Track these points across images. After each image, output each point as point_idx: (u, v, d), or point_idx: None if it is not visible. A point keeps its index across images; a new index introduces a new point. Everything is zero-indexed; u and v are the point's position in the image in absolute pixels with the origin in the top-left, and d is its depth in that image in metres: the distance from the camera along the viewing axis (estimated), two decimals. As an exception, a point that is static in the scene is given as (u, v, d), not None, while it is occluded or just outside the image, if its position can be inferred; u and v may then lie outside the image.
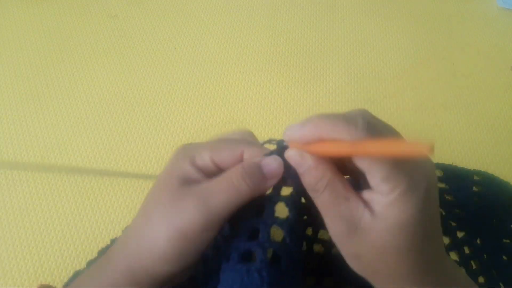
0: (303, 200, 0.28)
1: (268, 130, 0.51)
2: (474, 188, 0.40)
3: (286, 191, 0.27)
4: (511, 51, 0.61)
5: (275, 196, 0.26)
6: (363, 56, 0.60)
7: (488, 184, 0.40)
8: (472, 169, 0.42)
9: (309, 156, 0.24)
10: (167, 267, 0.25)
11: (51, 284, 0.39)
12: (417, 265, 0.24)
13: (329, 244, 0.33)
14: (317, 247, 0.34)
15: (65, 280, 0.40)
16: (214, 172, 0.27)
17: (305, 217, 0.31)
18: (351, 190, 0.24)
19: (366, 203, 0.23)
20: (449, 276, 0.25)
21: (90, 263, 0.35)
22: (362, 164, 0.23)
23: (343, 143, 0.22)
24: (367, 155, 0.22)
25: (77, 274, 0.36)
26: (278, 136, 0.52)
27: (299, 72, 0.57)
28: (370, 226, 0.23)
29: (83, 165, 0.47)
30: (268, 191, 0.27)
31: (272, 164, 0.26)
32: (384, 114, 0.54)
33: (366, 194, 0.24)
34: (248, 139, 0.29)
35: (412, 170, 0.23)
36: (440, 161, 0.49)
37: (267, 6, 0.65)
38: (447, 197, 0.39)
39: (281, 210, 0.27)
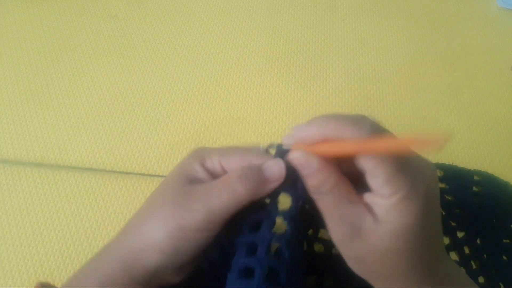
0: (305, 206, 0.28)
1: (268, 130, 0.51)
2: (474, 188, 0.40)
3: (284, 203, 0.27)
4: (511, 51, 0.61)
5: (273, 211, 0.26)
6: (363, 56, 0.60)
7: (488, 184, 0.40)
8: (472, 169, 0.42)
9: (315, 158, 0.24)
10: (161, 259, 0.25)
11: (51, 283, 0.39)
12: (418, 267, 0.24)
13: (329, 244, 0.33)
14: (317, 247, 0.34)
15: (65, 280, 0.40)
16: (221, 175, 0.27)
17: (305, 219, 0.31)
18: (354, 193, 0.24)
19: (368, 207, 0.23)
20: (449, 277, 0.26)
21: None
22: (365, 166, 0.23)
23: (348, 142, 0.22)
24: (374, 152, 0.22)
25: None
26: (278, 136, 0.52)
27: (299, 72, 0.57)
28: (372, 230, 0.23)
29: (83, 164, 0.47)
30: (267, 200, 0.27)
31: (274, 167, 0.26)
32: (384, 114, 0.54)
33: (367, 197, 0.24)
34: (260, 152, 0.29)
35: (414, 174, 0.23)
36: (440, 161, 0.49)
37: (267, 6, 0.66)
38: (447, 197, 0.39)
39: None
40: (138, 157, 0.48)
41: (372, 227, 0.23)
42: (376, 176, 0.23)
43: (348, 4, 0.66)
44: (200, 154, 0.28)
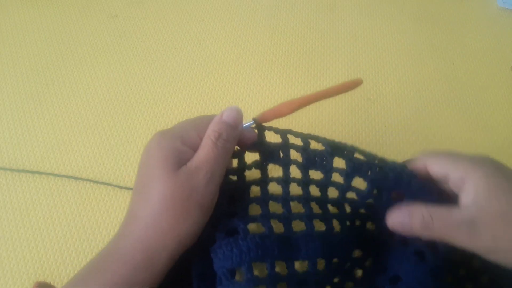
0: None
1: (268, 130, 0.51)
2: None
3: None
4: (511, 51, 0.61)
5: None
6: (363, 56, 0.60)
7: None
8: None
9: (405, 209, 0.29)
10: (183, 247, 0.28)
11: (50, 283, 0.39)
12: None
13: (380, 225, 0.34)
14: (369, 224, 0.35)
15: (65, 280, 0.40)
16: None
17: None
18: (446, 200, 0.28)
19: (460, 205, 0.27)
20: None
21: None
22: (436, 176, 0.29)
23: (305, 98, 0.33)
24: (319, 99, 0.31)
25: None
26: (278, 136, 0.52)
27: (299, 72, 0.57)
28: (476, 214, 0.26)
29: (83, 165, 0.47)
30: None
31: (230, 110, 0.31)
32: (384, 113, 0.54)
33: (463, 198, 0.28)
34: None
35: (476, 162, 0.28)
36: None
37: (267, 6, 0.66)
38: None
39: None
40: (138, 157, 0.48)
41: (475, 213, 0.27)
42: (450, 177, 0.29)
43: (348, 4, 0.66)
44: (175, 134, 0.29)
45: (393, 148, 0.50)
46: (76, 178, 0.46)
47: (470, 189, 0.27)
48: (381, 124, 0.52)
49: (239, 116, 0.31)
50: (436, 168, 0.29)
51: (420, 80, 0.57)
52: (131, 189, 0.45)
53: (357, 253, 0.34)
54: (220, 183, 0.30)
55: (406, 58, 0.60)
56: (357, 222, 0.35)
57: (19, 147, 0.48)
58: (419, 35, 0.63)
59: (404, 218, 0.28)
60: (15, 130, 0.50)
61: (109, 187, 0.45)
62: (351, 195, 0.33)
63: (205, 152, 0.29)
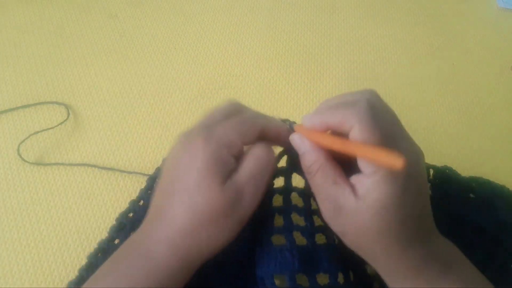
0: None
1: (268, 130, 0.51)
2: (471, 195, 0.40)
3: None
4: (511, 51, 0.61)
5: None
6: (363, 56, 0.60)
7: (484, 190, 0.40)
8: (467, 176, 0.42)
9: (307, 141, 0.28)
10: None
11: (50, 284, 0.39)
12: (396, 243, 0.26)
13: None
14: None
15: (65, 280, 0.40)
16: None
17: None
18: (341, 175, 0.27)
19: (353, 187, 0.26)
20: (433, 250, 0.27)
21: (81, 271, 0.35)
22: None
23: (336, 140, 0.26)
24: (351, 154, 0.25)
25: (70, 284, 0.35)
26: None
27: (299, 72, 0.57)
28: (353, 208, 0.26)
29: (83, 164, 0.47)
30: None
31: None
32: (384, 114, 0.54)
33: (354, 178, 0.26)
34: (242, 109, 0.31)
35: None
36: (439, 161, 0.49)
37: (267, 6, 0.66)
38: (442, 205, 0.38)
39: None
40: (138, 157, 0.48)
41: (353, 205, 0.25)
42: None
43: (348, 5, 0.66)
44: (223, 143, 0.27)
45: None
46: (73, 165, 0.46)
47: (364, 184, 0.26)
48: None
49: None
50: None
51: (420, 80, 0.57)
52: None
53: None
54: (262, 197, 0.29)
55: (406, 58, 0.60)
56: None
57: (18, 147, 0.48)
58: (419, 35, 0.63)
59: (302, 149, 0.28)
60: (15, 130, 0.50)
61: (109, 187, 0.45)
62: None
63: (252, 166, 0.28)
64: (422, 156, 0.28)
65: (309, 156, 0.28)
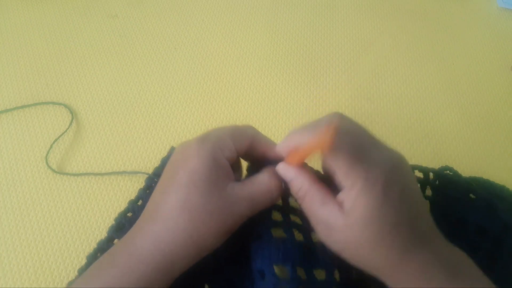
0: None
1: (268, 130, 0.51)
2: (471, 195, 0.40)
3: None
4: (511, 51, 0.61)
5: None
6: (363, 56, 0.60)
7: (484, 191, 0.40)
8: (467, 176, 0.42)
9: (291, 169, 0.29)
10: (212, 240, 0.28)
11: (50, 284, 0.39)
12: (393, 248, 0.26)
13: None
14: None
15: (65, 280, 0.40)
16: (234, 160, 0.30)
17: None
18: (328, 195, 0.27)
19: (341, 204, 0.26)
20: (437, 255, 0.27)
21: (81, 271, 0.35)
22: (327, 167, 0.27)
23: (296, 154, 0.28)
24: (307, 156, 0.27)
25: (70, 284, 0.35)
26: (278, 135, 0.52)
27: (299, 72, 0.57)
28: (343, 225, 0.26)
29: (83, 164, 0.47)
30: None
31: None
32: (383, 113, 0.54)
33: (340, 195, 0.26)
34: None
35: (368, 166, 0.25)
36: (439, 161, 0.49)
37: (267, 6, 0.66)
38: (443, 207, 0.38)
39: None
40: (138, 157, 0.48)
41: (341, 223, 0.26)
42: (337, 173, 0.26)
43: (348, 4, 0.66)
44: (217, 145, 0.29)
45: (393, 148, 0.50)
46: (76, 175, 0.46)
47: (351, 200, 0.26)
48: (381, 124, 0.52)
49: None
50: (328, 163, 0.27)
51: (420, 80, 0.57)
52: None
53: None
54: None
55: (406, 58, 0.60)
56: None
57: (18, 147, 0.48)
58: (419, 35, 0.63)
59: (288, 177, 0.29)
60: (15, 130, 0.50)
61: (109, 187, 0.45)
62: None
63: (256, 190, 0.29)
64: (401, 162, 0.27)
65: (296, 183, 0.28)
